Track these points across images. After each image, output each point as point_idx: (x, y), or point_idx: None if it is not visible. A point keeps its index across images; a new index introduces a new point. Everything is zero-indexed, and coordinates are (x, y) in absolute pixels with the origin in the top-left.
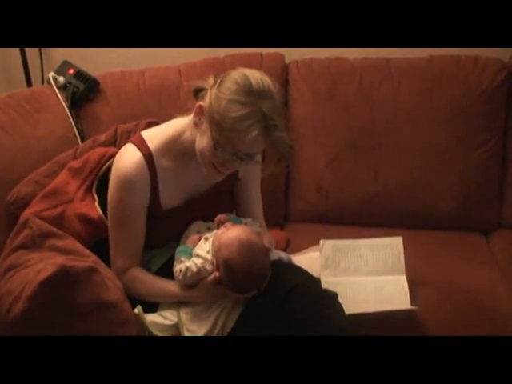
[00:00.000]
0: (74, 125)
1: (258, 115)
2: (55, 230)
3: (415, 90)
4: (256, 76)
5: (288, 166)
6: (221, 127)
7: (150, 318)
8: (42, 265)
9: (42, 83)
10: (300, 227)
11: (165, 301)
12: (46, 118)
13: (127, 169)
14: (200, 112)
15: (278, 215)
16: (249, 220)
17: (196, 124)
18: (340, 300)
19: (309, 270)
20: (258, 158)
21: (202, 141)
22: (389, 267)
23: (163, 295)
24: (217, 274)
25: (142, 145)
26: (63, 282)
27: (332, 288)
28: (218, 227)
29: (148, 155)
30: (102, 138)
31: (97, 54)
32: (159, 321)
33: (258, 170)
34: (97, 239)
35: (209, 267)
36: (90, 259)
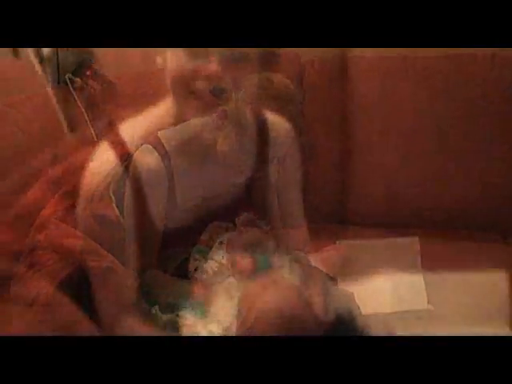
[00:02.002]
0: (59, 110)
1: None
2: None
3: (433, 89)
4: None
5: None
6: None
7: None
8: None
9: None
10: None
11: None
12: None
13: (145, 174)
14: (224, 116)
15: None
16: (284, 260)
17: (219, 128)
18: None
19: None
20: (246, 58)
21: (225, 142)
22: (405, 267)
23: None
24: None
25: (158, 145)
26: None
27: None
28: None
29: (165, 156)
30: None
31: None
32: (177, 321)
33: (297, 168)
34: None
35: (225, 272)
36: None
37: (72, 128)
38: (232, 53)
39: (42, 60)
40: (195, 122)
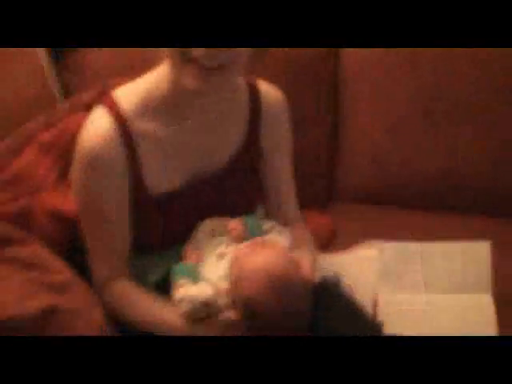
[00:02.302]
0: (53, 78)
1: None
2: (16, 232)
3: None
4: None
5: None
6: None
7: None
8: None
9: None
10: (349, 209)
11: (161, 333)
12: (14, 70)
13: (92, 142)
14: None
15: (321, 193)
16: (273, 224)
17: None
18: (403, 327)
19: (360, 277)
20: None
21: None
22: (471, 283)
23: (158, 326)
24: (233, 314)
25: (112, 107)
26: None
27: (392, 309)
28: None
29: (121, 120)
30: (86, 97)
31: None
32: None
33: (288, 142)
34: (75, 241)
35: (221, 300)
36: (59, 277)
37: (64, 95)
38: None
39: None
40: (154, 72)
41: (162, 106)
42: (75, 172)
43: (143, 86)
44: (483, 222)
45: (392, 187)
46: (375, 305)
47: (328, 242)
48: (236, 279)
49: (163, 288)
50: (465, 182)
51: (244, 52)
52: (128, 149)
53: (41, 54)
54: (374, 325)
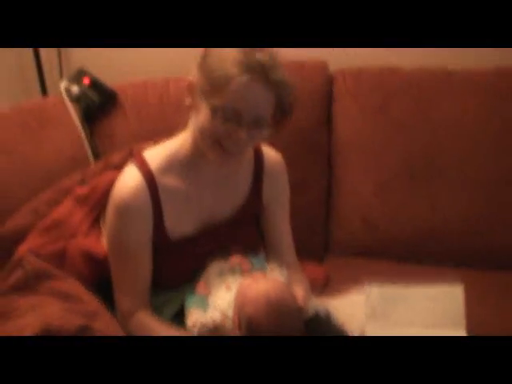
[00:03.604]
0: (86, 143)
1: (251, 61)
2: (53, 269)
3: (481, 107)
4: None
5: (324, 181)
6: (214, 85)
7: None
8: (27, 320)
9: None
10: (342, 261)
11: None
12: (53, 135)
13: (124, 193)
14: (191, 88)
15: (317, 247)
16: (275, 266)
17: (191, 106)
18: None
19: (351, 318)
20: (266, 126)
21: (200, 117)
22: (447, 320)
23: None
24: (237, 333)
25: (141, 165)
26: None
27: None
28: (243, 273)
29: (148, 176)
30: (115, 159)
31: (118, 60)
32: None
33: (286, 198)
34: (104, 279)
35: (229, 325)
36: (90, 307)
37: (96, 156)
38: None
39: (71, 99)
40: (178, 137)
41: (183, 166)
42: (108, 217)
43: (168, 148)
44: (458, 271)
45: (379, 242)
46: None
47: (322, 289)
48: (241, 303)
49: (178, 321)
50: (443, 238)
51: (266, 136)
52: (153, 200)
53: (76, 121)
54: None
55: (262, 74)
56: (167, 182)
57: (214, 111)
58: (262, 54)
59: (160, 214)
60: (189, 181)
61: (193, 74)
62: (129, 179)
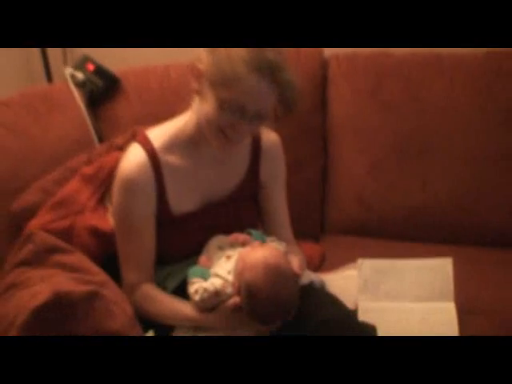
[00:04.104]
0: (90, 126)
1: (259, 60)
2: (61, 244)
3: (470, 89)
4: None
5: (320, 162)
6: (222, 80)
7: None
8: (39, 288)
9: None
10: (337, 240)
11: (179, 324)
12: (59, 119)
13: (129, 170)
14: (199, 75)
15: (313, 226)
16: (274, 238)
17: (198, 93)
18: (379, 330)
19: (344, 292)
20: (267, 116)
21: (206, 105)
22: (436, 293)
23: (177, 317)
24: (237, 299)
25: (145, 143)
26: (57, 310)
27: (370, 315)
28: (242, 245)
29: (151, 153)
30: (119, 141)
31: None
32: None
33: (283, 173)
34: (110, 254)
35: (229, 290)
36: (97, 278)
37: (100, 138)
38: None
39: (76, 85)
40: (180, 118)
41: (185, 146)
42: (114, 193)
43: (171, 128)
44: (449, 247)
45: (373, 220)
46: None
47: (319, 265)
48: (240, 270)
49: (180, 294)
50: (433, 215)
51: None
52: (156, 176)
53: (81, 106)
54: (352, 312)
55: (269, 73)
56: (170, 159)
57: (221, 103)
58: (270, 53)
59: (163, 190)
60: (191, 160)
61: (201, 61)
62: (133, 157)
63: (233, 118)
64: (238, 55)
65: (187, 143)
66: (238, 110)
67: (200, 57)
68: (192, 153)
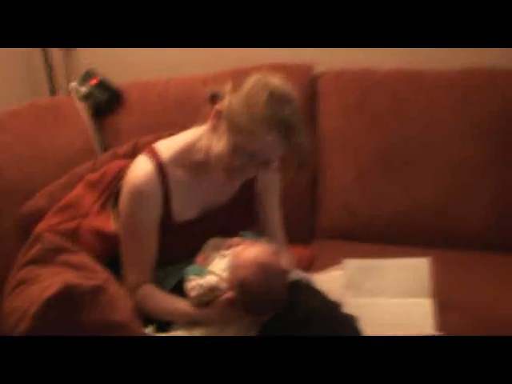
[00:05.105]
0: (94, 136)
1: (278, 119)
2: (67, 244)
3: (449, 103)
4: (276, 81)
5: (311, 176)
6: (240, 129)
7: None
8: (50, 282)
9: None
10: (326, 244)
11: (177, 320)
12: (65, 128)
13: (138, 180)
14: (218, 115)
15: (304, 231)
16: (266, 239)
17: (213, 128)
18: (361, 323)
19: (330, 290)
20: (274, 165)
21: (219, 145)
22: (414, 289)
23: (175, 314)
24: (231, 294)
25: (154, 156)
26: (67, 300)
27: (354, 310)
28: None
29: (160, 166)
30: (122, 150)
31: (123, 61)
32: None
33: (277, 183)
34: (112, 255)
35: (223, 286)
36: (101, 276)
37: (103, 147)
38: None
39: (80, 99)
40: (192, 132)
41: (192, 164)
42: (122, 202)
43: (182, 143)
44: (429, 250)
45: (359, 226)
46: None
47: (308, 268)
48: (234, 267)
49: (177, 292)
50: (415, 220)
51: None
52: (163, 188)
53: (85, 117)
54: (337, 304)
55: (285, 134)
56: (177, 173)
57: (234, 148)
58: (288, 111)
59: (168, 201)
60: (195, 175)
61: (222, 100)
62: (143, 169)
63: (242, 161)
64: (257, 109)
65: (195, 164)
66: (248, 156)
67: (222, 95)
68: (197, 171)
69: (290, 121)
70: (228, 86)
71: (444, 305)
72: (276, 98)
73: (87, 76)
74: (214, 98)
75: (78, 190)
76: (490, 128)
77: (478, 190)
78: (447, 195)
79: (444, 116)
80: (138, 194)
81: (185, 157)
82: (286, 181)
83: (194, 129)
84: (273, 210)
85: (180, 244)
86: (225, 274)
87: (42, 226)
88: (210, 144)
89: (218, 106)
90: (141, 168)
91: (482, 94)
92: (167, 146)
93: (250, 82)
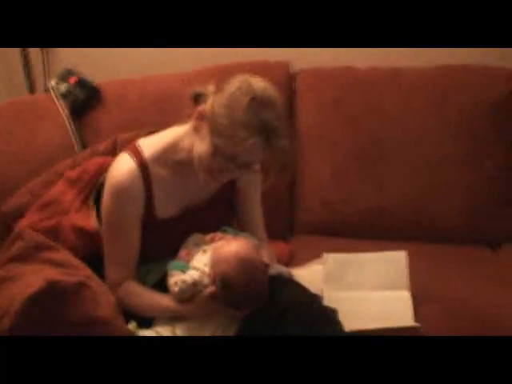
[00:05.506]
0: (72, 134)
1: (259, 123)
2: (49, 242)
3: (425, 101)
4: (259, 84)
5: (290, 175)
6: (221, 133)
7: (145, 333)
8: (32, 279)
9: (46, 89)
10: (305, 240)
11: (160, 315)
12: (45, 126)
13: (121, 178)
14: (200, 117)
15: (283, 227)
16: (246, 234)
17: (196, 129)
18: (341, 316)
19: (310, 284)
20: (256, 167)
21: (201, 146)
22: (392, 282)
23: (158, 309)
24: (213, 288)
25: (136, 154)
26: (50, 297)
27: (334, 303)
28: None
29: (142, 164)
30: (101, 147)
31: (102, 60)
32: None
33: (258, 180)
34: (92, 252)
35: (206, 281)
36: (82, 273)
37: (82, 145)
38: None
39: (59, 96)
40: (174, 131)
41: (175, 163)
42: (105, 199)
43: (165, 142)
44: (405, 244)
45: (336, 221)
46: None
47: (288, 263)
48: (215, 261)
49: (159, 288)
50: (390, 214)
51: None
52: (146, 186)
53: (64, 114)
54: (317, 297)
55: (266, 138)
56: (159, 171)
57: (215, 150)
58: (269, 115)
59: (151, 198)
60: (178, 174)
61: (206, 102)
62: (125, 166)
63: (223, 164)
64: (238, 113)
65: (177, 163)
66: (229, 159)
67: (205, 101)
68: (179, 170)
69: (272, 125)
70: (211, 87)
71: (419, 297)
72: (258, 102)
73: (66, 74)
74: (198, 98)
75: (58, 187)
76: (465, 126)
77: (453, 186)
78: (423, 192)
79: (420, 114)
80: (121, 191)
81: (167, 156)
82: (268, 184)
83: (175, 127)
84: (254, 206)
85: (162, 241)
86: (207, 269)
87: (23, 223)
88: (193, 144)
89: (200, 108)
90: (123, 165)
91: (458, 92)
92: (149, 144)
93: (233, 84)
